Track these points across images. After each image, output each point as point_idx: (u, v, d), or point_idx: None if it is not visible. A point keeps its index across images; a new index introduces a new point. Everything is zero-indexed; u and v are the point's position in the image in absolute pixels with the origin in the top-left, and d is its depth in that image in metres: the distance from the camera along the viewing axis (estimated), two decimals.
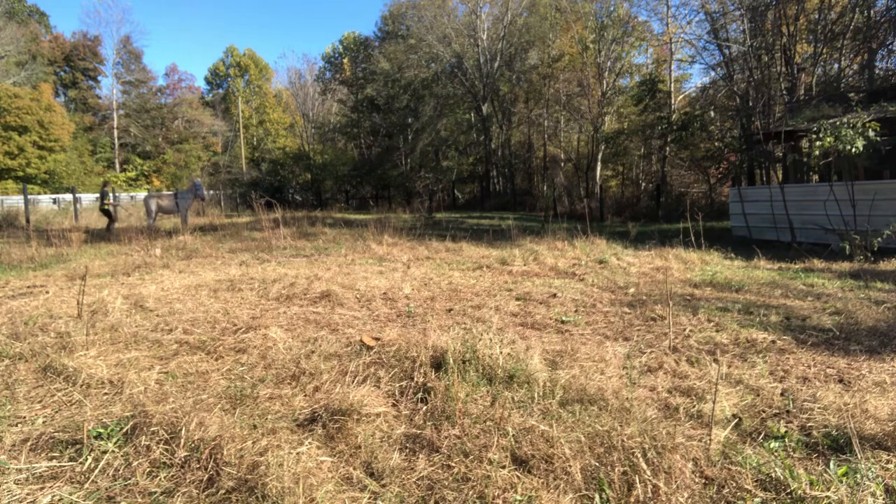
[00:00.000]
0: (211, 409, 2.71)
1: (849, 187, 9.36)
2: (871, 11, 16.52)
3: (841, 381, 3.22)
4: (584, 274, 7.17)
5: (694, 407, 2.80)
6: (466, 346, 3.29)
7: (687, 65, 25.91)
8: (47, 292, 5.82)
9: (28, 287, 6.29)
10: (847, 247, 8.05)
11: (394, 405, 2.84)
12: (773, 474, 2.12)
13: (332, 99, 43.17)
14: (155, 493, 2.06)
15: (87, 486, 2.11)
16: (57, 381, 3.18)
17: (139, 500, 2.03)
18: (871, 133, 8.62)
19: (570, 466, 2.16)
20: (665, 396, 2.99)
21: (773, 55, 17.76)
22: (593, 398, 2.84)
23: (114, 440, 2.39)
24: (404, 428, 2.60)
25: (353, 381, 3.03)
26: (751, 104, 18.04)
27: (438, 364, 3.18)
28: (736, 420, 2.66)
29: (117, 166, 43.98)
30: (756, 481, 2.10)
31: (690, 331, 4.28)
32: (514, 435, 2.44)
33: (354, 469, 2.23)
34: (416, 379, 3.04)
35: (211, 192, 28.78)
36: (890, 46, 17.59)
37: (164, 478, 2.16)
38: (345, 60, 44.30)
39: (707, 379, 3.18)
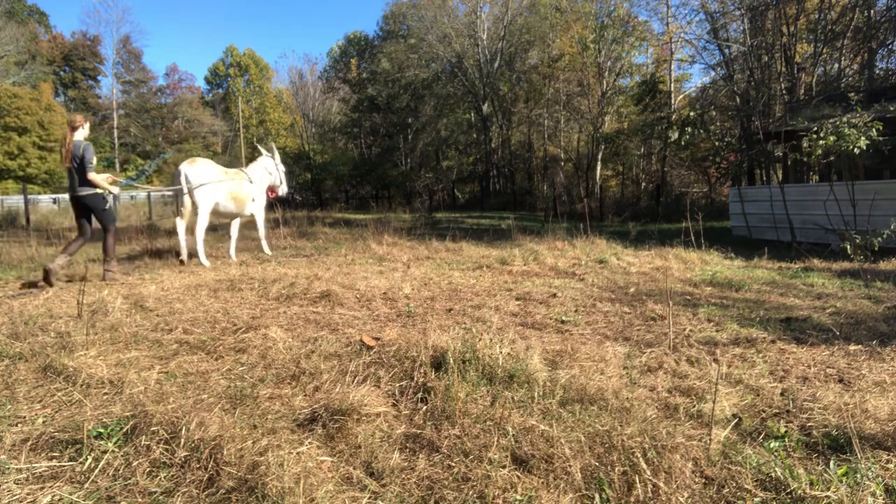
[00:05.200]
0: (211, 408, 2.71)
1: (849, 187, 9.36)
2: (871, 11, 16.52)
3: (841, 380, 3.21)
4: (584, 274, 7.17)
5: (694, 407, 2.80)
6: (466, 346, 3.29)
7: (687, 65, 25.95)
8: (47, 292, 5.82)
9: (28, 286, 6.29)
10: (847, 246, 8.05)
11: (394, 405, 2.83)
12: (773, 474, 2.12)
13: (335, 98, 43.22)
14: (155, 492, 2.06)
15: (87, 485, 2.11)
16: (57, 381, 3.17)
17: (139, 499, 2.03)
18: (874, 132, 8.62)
19: (570, 466, 2.16)
20: (665, 396, 2.99)
21: (773, 55, 17.76)
22: (593, 398, 2.84)
23: (114, 440, 2.39)
24: (404, 428, 2.59)
25: (353, 381, 3.03)
26: (751, 104, 18.02)
27: (438, 364, 3.18)
28: (736, 420, 2.66)
29: (117, 166, 43.99)
30: (756, 481, 2.10)
31: (690, 330, 4.28)
32: (514, 435, 2.44)
33: (354, 469, 2.23)
34: (416, 379, 3.03)
35: None
36: (890, 46, 17.59)
37: (164, 478, 2.15)
38: (352, 60, 44.38)
39: (707, 379, 3.18)
